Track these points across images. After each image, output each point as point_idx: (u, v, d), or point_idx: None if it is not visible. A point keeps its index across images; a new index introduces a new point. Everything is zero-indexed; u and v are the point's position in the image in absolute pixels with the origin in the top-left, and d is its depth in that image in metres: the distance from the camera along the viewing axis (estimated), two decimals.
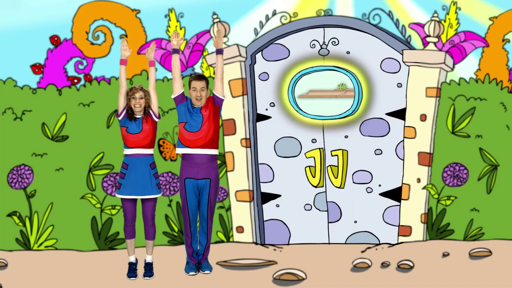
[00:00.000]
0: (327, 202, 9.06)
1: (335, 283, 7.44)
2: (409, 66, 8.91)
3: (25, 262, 8.35)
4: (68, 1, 9.08)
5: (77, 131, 8.96)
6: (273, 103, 9.08)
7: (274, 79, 9.09)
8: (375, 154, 9.01)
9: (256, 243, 8.96)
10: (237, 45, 8.94)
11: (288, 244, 9.06)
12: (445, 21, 8.99)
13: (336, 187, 9.05)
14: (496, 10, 9.05)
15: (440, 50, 8.96)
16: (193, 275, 7.66)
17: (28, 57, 9.03)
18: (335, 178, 9.04)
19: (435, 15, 8.96)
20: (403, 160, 8.94)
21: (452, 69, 8.98)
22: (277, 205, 9.09)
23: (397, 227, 8.96)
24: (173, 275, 7.70)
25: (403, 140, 8.95)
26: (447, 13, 9.03)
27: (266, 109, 9.11)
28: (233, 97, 8.98)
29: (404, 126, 8.96)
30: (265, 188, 9.12)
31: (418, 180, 8.93)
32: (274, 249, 8.79)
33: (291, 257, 8.42)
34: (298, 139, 9.09)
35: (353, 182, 9.05)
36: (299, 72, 9.03)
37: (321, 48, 9.03)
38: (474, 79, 8.99)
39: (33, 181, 8.93)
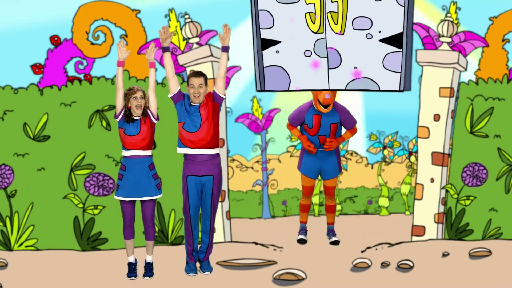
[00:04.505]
0: (326, 48, 8.66)
1: (335, 283, 7.44)
2: (422, 66, 8.85)
3: (25, 262, 8.34)
4: (68, 1, 9.09)
5: (59, 131, 8.90)
6: None
7: None
8: (375, 0, 8.53)
9: (256, 243, 8.96)
10: (209, 45, 8.86)
11: (288, 90, 8.63)
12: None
13: (336, 33, 8.60)
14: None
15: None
16: (192, 276, 7.65)
17: (28, 57, 9.02)
18: (335, 24, 8.61)
19: (448, 15, 8.93)
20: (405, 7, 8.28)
21: (466, 69, 8.93)
22: (277, 51, 8.67)
23: (398, 74, 8.56)
24: (173, 275, 7.70)
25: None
26: (447, 13, 9.03)
27: None
28: None
29: (418, 126, 8.93)
30: (265, 35, 8.70)
31: (432, 180, 8.91)
32: (274, 249, 8.79)
33: (291, 257, 8.43)
34: None
35: (353, 29, 8.62)
36: None
37: None
38: (473, 80, 8.99)
39: (14, 181, 8.88)
